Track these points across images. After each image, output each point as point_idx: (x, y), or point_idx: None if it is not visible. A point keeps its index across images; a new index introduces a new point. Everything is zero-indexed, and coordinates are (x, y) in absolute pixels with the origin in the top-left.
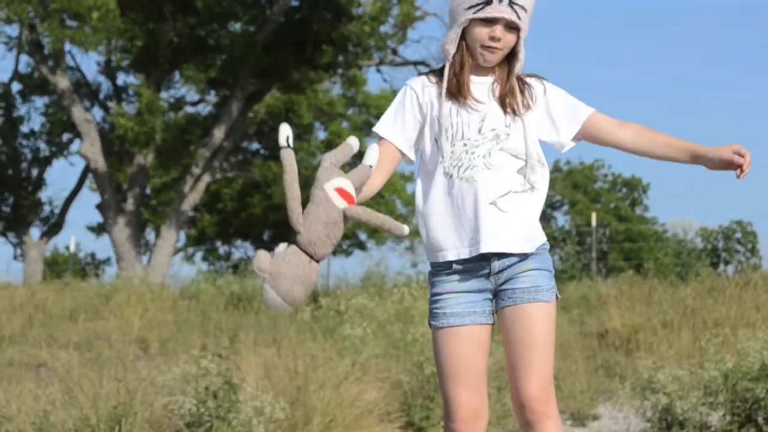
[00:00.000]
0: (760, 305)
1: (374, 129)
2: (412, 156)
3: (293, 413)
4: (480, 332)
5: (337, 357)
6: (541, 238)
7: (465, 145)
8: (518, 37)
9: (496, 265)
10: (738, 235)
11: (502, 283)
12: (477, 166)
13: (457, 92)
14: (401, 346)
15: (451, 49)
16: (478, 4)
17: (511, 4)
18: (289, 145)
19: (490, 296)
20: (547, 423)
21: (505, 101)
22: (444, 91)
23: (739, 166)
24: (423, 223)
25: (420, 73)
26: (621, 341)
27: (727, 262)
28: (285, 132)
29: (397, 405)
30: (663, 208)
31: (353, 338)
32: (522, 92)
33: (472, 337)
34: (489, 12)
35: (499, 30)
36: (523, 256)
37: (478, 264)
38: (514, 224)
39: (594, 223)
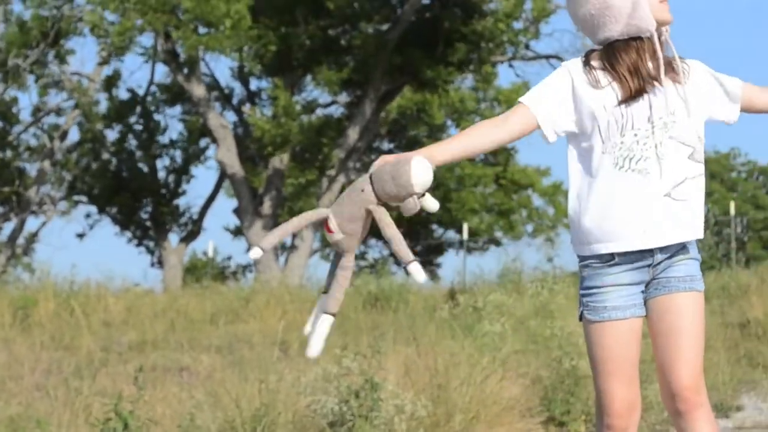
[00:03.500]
0: None
1: (519, 99)
2: (550, 136)
3: (435, 411)
4: (638, 324)
5: (477, 354)
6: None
7: (635, 135)
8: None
9: (659, 256)
10: None
11: (659, 273)
12: (650, 157)
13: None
14: (540, 341)
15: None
16: None
17: None
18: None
19: (644, 287)
20: (699, 412)
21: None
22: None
23: None
24: (585, 214)
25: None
26: (763, 331)
27: None
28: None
29: (537, 400)
30: None
31: (492, 334)
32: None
33: (632, 330)
34: None
35: None
36: (682, 245)
37: (640, 255)
38: (690, 212)
39: (732, 212)
